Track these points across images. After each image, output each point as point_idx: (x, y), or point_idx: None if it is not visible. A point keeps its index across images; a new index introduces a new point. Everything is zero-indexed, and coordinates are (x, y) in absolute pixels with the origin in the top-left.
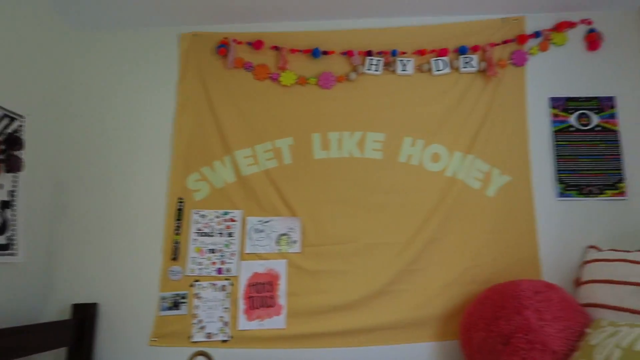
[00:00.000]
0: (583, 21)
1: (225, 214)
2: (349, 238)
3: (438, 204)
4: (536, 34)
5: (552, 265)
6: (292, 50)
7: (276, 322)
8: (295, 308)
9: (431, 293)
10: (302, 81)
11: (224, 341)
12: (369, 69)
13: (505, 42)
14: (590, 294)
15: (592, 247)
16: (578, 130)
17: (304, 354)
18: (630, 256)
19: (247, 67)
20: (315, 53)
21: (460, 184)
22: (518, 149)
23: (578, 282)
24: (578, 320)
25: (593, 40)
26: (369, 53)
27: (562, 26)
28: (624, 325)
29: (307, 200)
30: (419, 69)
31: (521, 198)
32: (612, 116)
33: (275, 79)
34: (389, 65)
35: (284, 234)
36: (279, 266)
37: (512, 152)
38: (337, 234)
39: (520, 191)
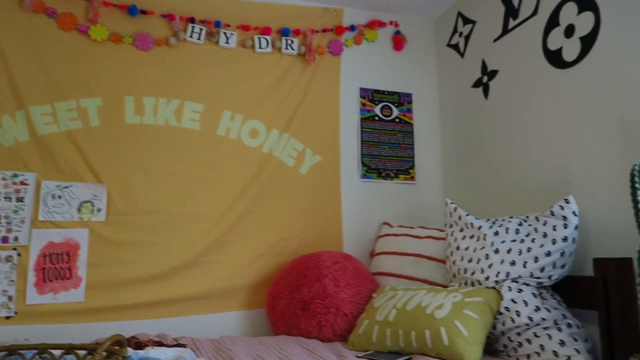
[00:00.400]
0: (391, 23)
1: (15, 176)
2: (160, 208)
3: (253, 179)
4: (352, 28)
5: (353, 238)
6: (105, 4)
7: (74, 295)
8: (97, 280)
9: (242, 264)
10: (115, 38)
11: (8, 317)
12: (190, 37)
13: (324, 30)
14: (380, 263)
15: (385, 223)
16: (381, 119)
17: (104, 328)
18: (413, 232)
19: (50, 13)
20: (132, 10)
21: (276, 160)
22: (329, 132)
23: (372, 254)
24: (367, 286)
25: (398, 42)
26: (192, 20)
27: (374, 24)
28: (401, 289)
29: (115, 166)
30: (242, 44)
31: (329, 177)
32: (409, 110)
33: (83, 31)
34: (211, 36)
35: (86, 201)
36: (79, 235)
37: (324, 135)
38: (148, 204)
39: (329, 171)
